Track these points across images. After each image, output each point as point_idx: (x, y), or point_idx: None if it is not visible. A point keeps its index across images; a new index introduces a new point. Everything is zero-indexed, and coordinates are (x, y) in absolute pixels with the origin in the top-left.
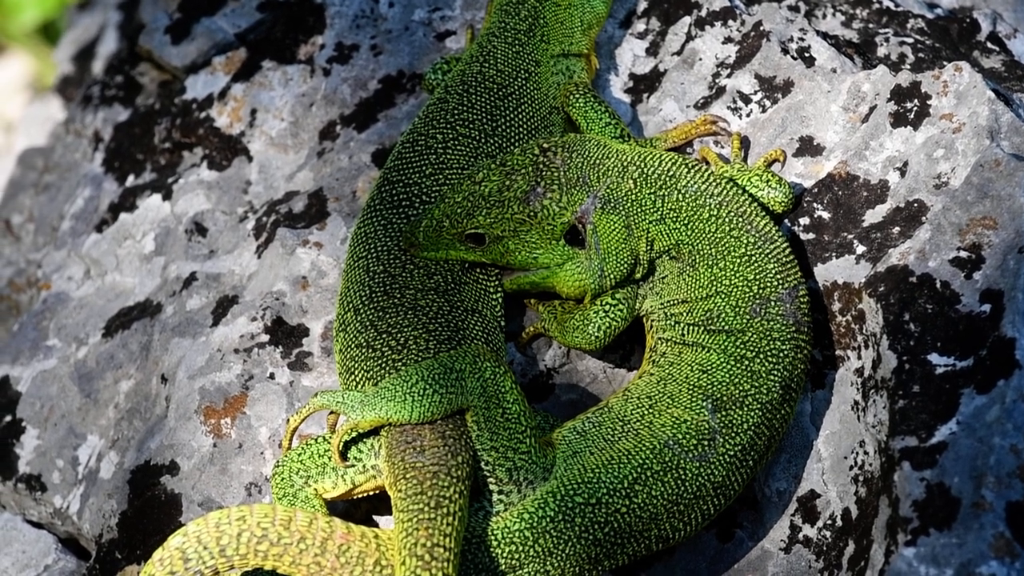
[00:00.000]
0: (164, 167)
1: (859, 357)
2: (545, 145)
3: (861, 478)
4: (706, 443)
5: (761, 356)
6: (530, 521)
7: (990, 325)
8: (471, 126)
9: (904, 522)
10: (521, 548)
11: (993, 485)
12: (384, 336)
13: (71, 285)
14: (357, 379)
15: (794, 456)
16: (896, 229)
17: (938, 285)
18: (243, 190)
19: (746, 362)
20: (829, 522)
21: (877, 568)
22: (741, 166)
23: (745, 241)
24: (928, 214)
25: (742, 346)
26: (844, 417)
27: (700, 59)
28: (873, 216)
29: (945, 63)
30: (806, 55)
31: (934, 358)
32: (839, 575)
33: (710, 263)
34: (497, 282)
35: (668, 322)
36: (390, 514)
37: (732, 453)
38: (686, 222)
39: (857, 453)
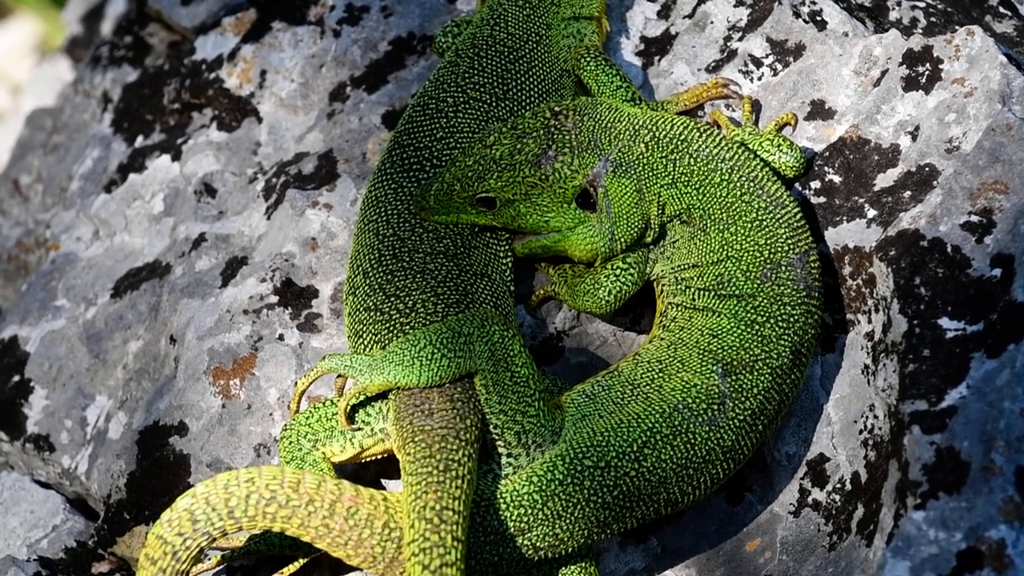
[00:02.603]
0: (173, 128)
1: (869, 321)
2: (556, 108)
3: (871, 442)
4: (716, 407)
5: (772, 321)
6: (539, 484)
7: (1001, 289)
8: (482, 90)
9: (914, 486)
10: (530, 511)
11: (1003, 449)
12: (392, 299)
13: (80, 245)
14: (365, 342)
15: (804, 420)
16: (907, 193)
17: (949, 249)
18: (252, 151)
19: (756, 327)
20: (838, 486)
21: (886, 531)
22: (752, 130)
23: (756, 206)
24: (939, 178)
25: (752, 311)
26: (854, 381)
27: (711, 22)
28: (884, 180)
29: (957, 27)
30: (818, 19)
31: (944, 322)
32: (848, 538)
33: (721, 227)
34: (507, 246)
35: (679, 286)
36: (399, 477)
37: (742, 418)
38: (697, 186)
39: (867, 417)
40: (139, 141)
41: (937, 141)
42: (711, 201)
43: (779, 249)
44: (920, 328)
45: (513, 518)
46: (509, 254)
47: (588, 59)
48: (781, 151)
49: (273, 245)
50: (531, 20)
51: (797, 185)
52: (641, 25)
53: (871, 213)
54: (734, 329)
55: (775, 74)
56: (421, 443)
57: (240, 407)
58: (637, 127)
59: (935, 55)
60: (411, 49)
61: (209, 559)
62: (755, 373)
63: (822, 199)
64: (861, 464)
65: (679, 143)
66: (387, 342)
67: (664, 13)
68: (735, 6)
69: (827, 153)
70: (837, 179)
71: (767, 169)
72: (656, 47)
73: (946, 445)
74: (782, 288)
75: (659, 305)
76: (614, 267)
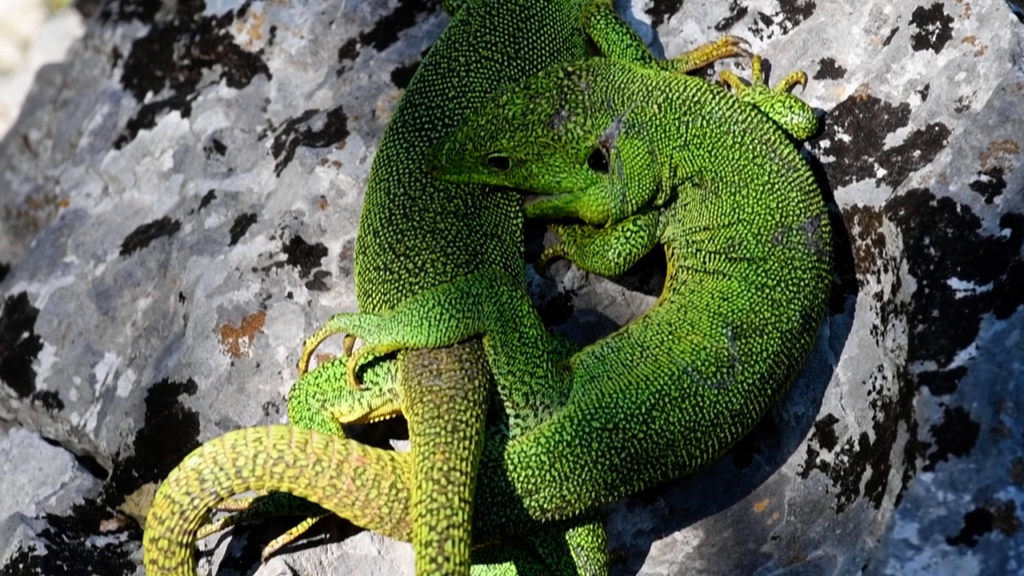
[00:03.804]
0: (183, 84)
1: (879, 281)
2: (569, 68)
3: (879, 403)
4: (725, 370)
5: (782, 285)
6: (547, 445)
7: (1011, 250)
8: (493, 48)
9: (922, 447)
10: (537, 472)
11: (1012, 411)
12: (402, 259)
13: (89, 202)
14: (374, 302)
15: (812, 380)
16: (917, 153)
17: (959, 209)
18: (262, 108)
19: (767, 290)
20: (847, 447)
21: (895, 493)
22: (763, 89)
23: (768, 169)
24: (949, 138)
25: (763, 274)
26: (863, 341)
27: None
28: (894, 139)
29: None
30: None
31: (954, 282)
32: (856, 500)
33: (733, 191)
34: (518, 207)
35: (689, 249)
36: (407, 438)
37: (751, 381)
38: (710, 149)
39: (876, 378)
40: (149, 97)
41: (947, 100)
42: (723, 164)
43: (791, 213)
44: (929, 288)
45: (520, 479)
46: (520, 214)
47: (598, 17)
48: (793, 112)
49: (282, 203)
50: None
51: (807, 144)
52: None
53: (881, 172)
54: (744, 292)
55: (785, 32)
56: (429, 403)
57: (249, 365)
58: (650, 88)
59: (945, 13)
60: (421, 6)
61: (218, 520)
62: (765, 337)
63: (831, 158)
64: (870, 425)
65: (692, 105)
66: (396, 302)
67: None
68: None
69: (837, 112)
70: (847, 138)
71: (779, 132)
72: (666, 5)
73: (955, 406)
74: (793, 252)
75: (670, 268)
76: (624, 229)
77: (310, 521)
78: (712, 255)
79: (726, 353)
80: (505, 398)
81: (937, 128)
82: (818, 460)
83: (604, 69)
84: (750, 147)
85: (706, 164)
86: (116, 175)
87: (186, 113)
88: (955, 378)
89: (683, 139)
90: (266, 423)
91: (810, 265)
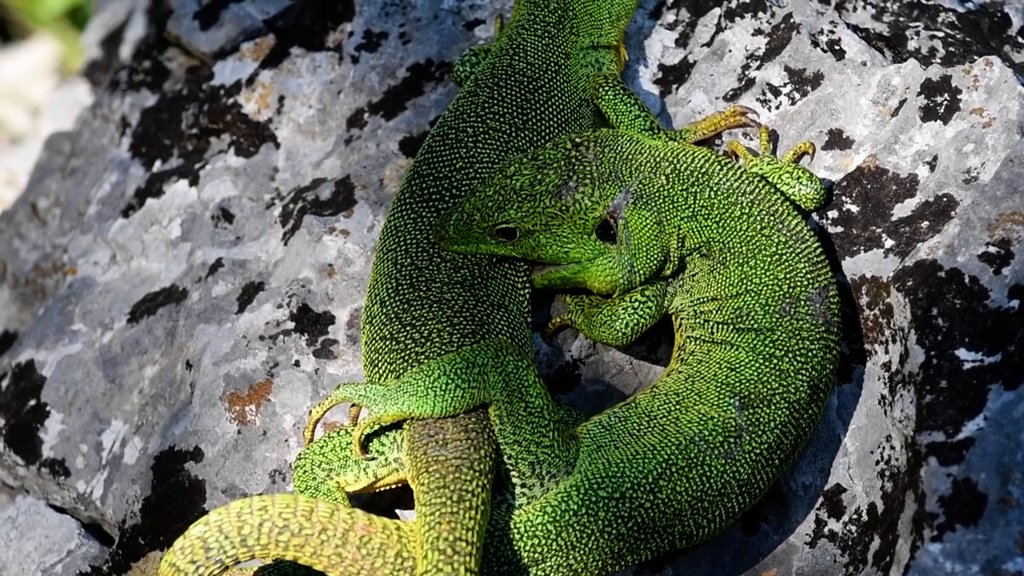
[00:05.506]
0: (191, 153)
1: (886, 351)
2: (577, 139)
3: (887, 473)
4: (732, 441)
5: (790, 355)
6: (553, 515)
7: (1018, 321)
8: (501, 119)
9: (930, 517)
10: (544, 542)
11: (1020, 481)
12: (408, 329)
13: (97, 270)
14: (381, 371)
15: (820, 450)
16: (925, 223)
17: (967, 280)
18: (270, 177)
19: (775, 361)
20: (855, 517)
21: (903, 563)
22: (771, 160)
23: (776, 240)
24: (957, 209)
25: (771, 345)
26: (871, 411)
27: (730, 51)
28: (902, 210)
29: (976, 57)
30: (836, 48)
31: (962, 353)
32: (864, 570)
33: (741, 261)
34: (525, 277)
35: (697, 320)
36: (413, 507)
37: (758, 451)
38: (718, 220)
39: (884, 448)
40: (157, 166)
41: (955, 171)
42: (731, 235)
43: (798, 283)
44: (937, 359)
45: (527, 549)
46: (527, 284)
47: (606, 88)
48: (801, 183)
49: (290, 271)
50: (550, 49)
51: (815, 215)
52: (659, 53)
53: (888, 243)
54: (752, 363)
55: (793, 103)
56: (435, 473)
57: (255, 433)
58: (658, 159)
59: (953, 85)
60: (429, 76)
61: None
62: (772, 407)
63: (839, 229)
64: (878, 495)
65: (700, 176)
66: (401, 371)
67: (682, 41)
68: (753, 35)
69: (845, 183)
70: (855, 209)
71: (787, 203)
72: (674, 75)
73: (963, 477)
74: (801, 323)
75: (677, 339)
76: (632, 299)
77: None
78: (720, 325)
79: (733, 423)
80: (511, 467)
81: (945, 199)
82: (826, 530)
83: (612, 140)
84: (758, 218)
85: (714, 235)
86: (124, 243)
87: (194, 182)
88: (963, 449)
89: (691, 210)
90: (272, 491)
91: (818, 336)
